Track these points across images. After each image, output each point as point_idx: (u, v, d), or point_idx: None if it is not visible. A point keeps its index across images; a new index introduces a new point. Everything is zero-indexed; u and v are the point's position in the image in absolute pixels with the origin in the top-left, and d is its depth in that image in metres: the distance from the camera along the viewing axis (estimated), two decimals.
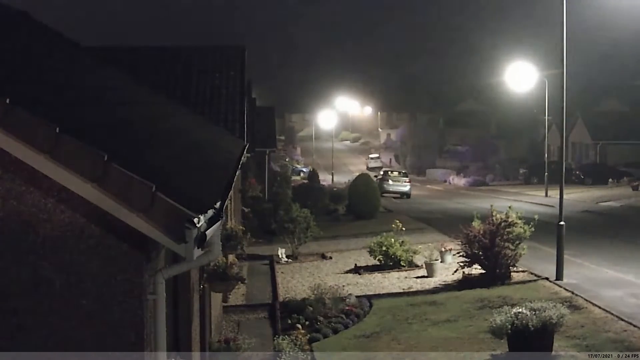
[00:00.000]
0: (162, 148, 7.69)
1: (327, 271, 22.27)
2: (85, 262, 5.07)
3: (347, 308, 16.44)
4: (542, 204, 40.77)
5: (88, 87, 8.97)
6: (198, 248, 4.97)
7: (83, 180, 4.80)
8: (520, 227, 19.07)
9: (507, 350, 12.21)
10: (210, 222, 5.34)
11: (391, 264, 21.68)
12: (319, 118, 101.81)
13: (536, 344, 11.77)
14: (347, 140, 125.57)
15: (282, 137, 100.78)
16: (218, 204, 6.07)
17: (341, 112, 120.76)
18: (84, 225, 5.05)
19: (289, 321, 15.75)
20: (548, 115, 54.89)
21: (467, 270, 19.35)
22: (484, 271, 19.00)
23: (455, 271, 19.76)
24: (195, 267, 8.52)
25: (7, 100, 4.75)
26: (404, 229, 23.24)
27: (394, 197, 51.82)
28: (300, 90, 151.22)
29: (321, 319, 15.69)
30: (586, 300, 15.92)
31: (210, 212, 5.48)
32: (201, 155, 9.64)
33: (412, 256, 22.06)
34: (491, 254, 18.50)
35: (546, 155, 55.33)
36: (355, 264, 22.85)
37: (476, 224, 19.03)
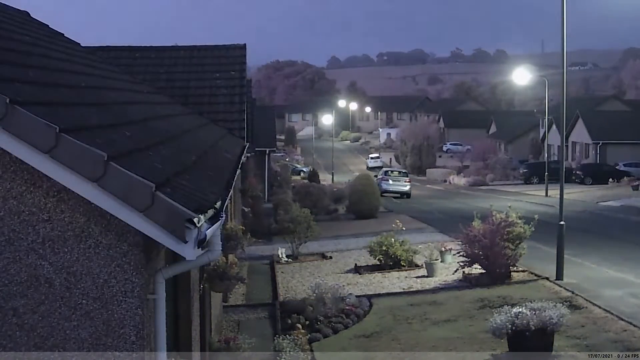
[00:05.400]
0: (162, 148, 7.68)
1: (327, 271, 22.27)
2: (85, 261, 5.08)
3: (347, 308, 16.44)
4: (542, 204, 40.78)
5: (88, 87, 8.97)
6: (198, 248, 4.97)
7: (83, 180, 4.81)
8: (520, 226, 19.09)
9: (507, 350, 12.20)
10: (211, 222, 5.34)
11: (391, 263, 21.68)
12: (319, 118, 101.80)
13: (536, 344, 11.77)
14: (347, 140, 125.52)
15: (282, 137, 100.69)
16: (218, 203, 6.08)
17: (341, 112, 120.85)
18: (84, 225, 5.06)
19: (289, 321, 15.74)
20: (549, 115, 54.89)
21: (467, 270, 19.35)
22: (484, 271, 19.00)
23: (455, 271, 19.76)
24: (195, 267, 8.52)
25: (8, 100, 4.75)
26: (404, 228, 23.21)
27: (394, 197, 51.80)
28: (301, 89, 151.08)
29: (321, 318, 15.69)
30: (586, 300, 15.92)
31: (211, 212, 5.48)
32: (201, 155, 9.63)
33: (412, 256, 22.05)
34: (491, 254, 18.49)
35: (546, 155, 55.33)
36: (356, 264, 22.85)
37: (476, 223, 19.03)
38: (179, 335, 8.35)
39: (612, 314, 14.62)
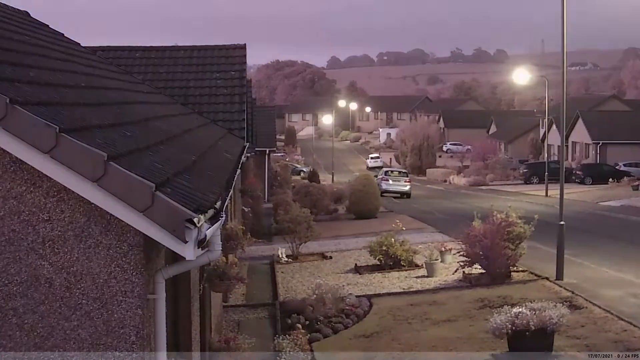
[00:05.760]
0: (162, 148, 7.69)
1: (328, 271, 22.26)
2: (85, 261, 5.08)
3: (347, 308, 16.44)
4: (542, 204, 40.76)
5: (88, 87, 8.97)
6: (198, 248, 4.97)
7: (83, 180, 4.81)
8: (521, 226, 19.09)
9: (507, 350, 12.21)
10: (211, 222, 5.34)
11: (391, 263, 21.67)
12: (319, 118, 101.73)
13: (536, 344, 11.77)
14: (347, 140, 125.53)
15: (282, 137, 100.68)
16: (218, 203, 6.08)
17: (341, 112, 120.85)
18: (84, 225, 5.06)
19: (289, 321, 15.74)
20: (549, 115, 54.87)
21: (467, 270, 19.35)
22: (484, 271, 19.00)
23: (455, 271, 19.77)
24: (195, 267, 8.52)
25: (8, 100, 4.75)
26: (404, 228, 23.19)
27: (394, 197, 51.78)
28: (301, 89, 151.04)
29: (321, 318, 15.69)
30: (586, 300, 15.92)
31: (211, 212, 5.48)
32: (201, 155, 9.64)
33: (412, 256, 22.04)
34: (491, 254, 18.49)
35: (546, 155, 55.29)
36: (356, 264, 22.85)
37: (476, 223, 19.04)
38: (179, 335, 8.35)
39: (612, 314, 14.63)
